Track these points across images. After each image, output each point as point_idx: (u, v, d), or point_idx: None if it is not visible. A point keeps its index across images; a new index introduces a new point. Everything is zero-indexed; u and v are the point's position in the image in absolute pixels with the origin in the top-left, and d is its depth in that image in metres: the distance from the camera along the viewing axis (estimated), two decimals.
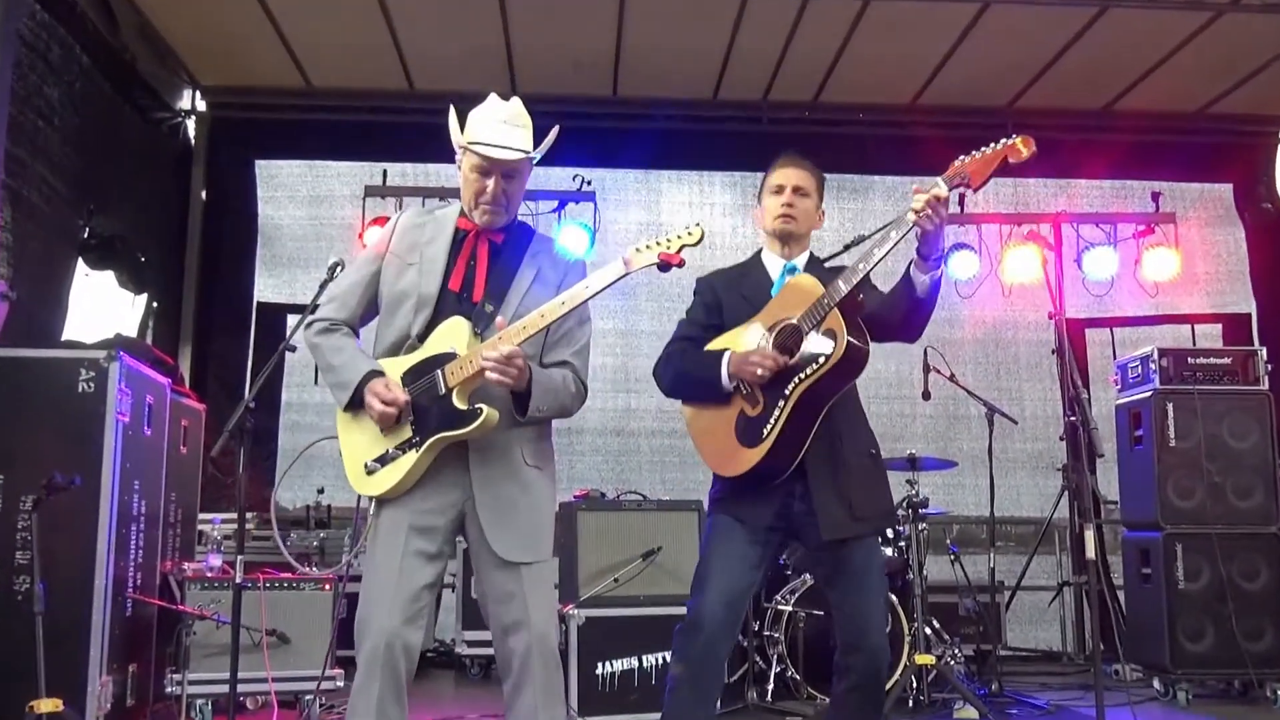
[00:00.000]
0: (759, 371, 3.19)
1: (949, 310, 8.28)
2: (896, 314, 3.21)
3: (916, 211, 3.02)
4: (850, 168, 8.25)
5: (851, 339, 3.09)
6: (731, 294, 3.50)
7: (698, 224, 2.94)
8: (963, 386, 6.46)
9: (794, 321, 3.22)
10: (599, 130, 7.89)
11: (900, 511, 5.83)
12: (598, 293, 2.93)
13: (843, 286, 3.10)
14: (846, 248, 3.55)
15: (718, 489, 3.41)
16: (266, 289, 8.12)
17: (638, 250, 2.90)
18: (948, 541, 7.26)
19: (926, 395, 6.32)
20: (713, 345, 3.42)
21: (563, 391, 3.10)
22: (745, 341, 3.34)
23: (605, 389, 8.08)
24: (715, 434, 3.35)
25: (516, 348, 2.90)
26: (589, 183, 7.75)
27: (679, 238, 2.89)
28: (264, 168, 8.22)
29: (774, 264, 3.51)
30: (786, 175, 3.51)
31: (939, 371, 6.32)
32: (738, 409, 3.30)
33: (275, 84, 7.86)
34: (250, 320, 7.98)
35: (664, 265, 2.88)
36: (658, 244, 2.89)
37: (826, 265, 3.57)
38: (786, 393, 3.16)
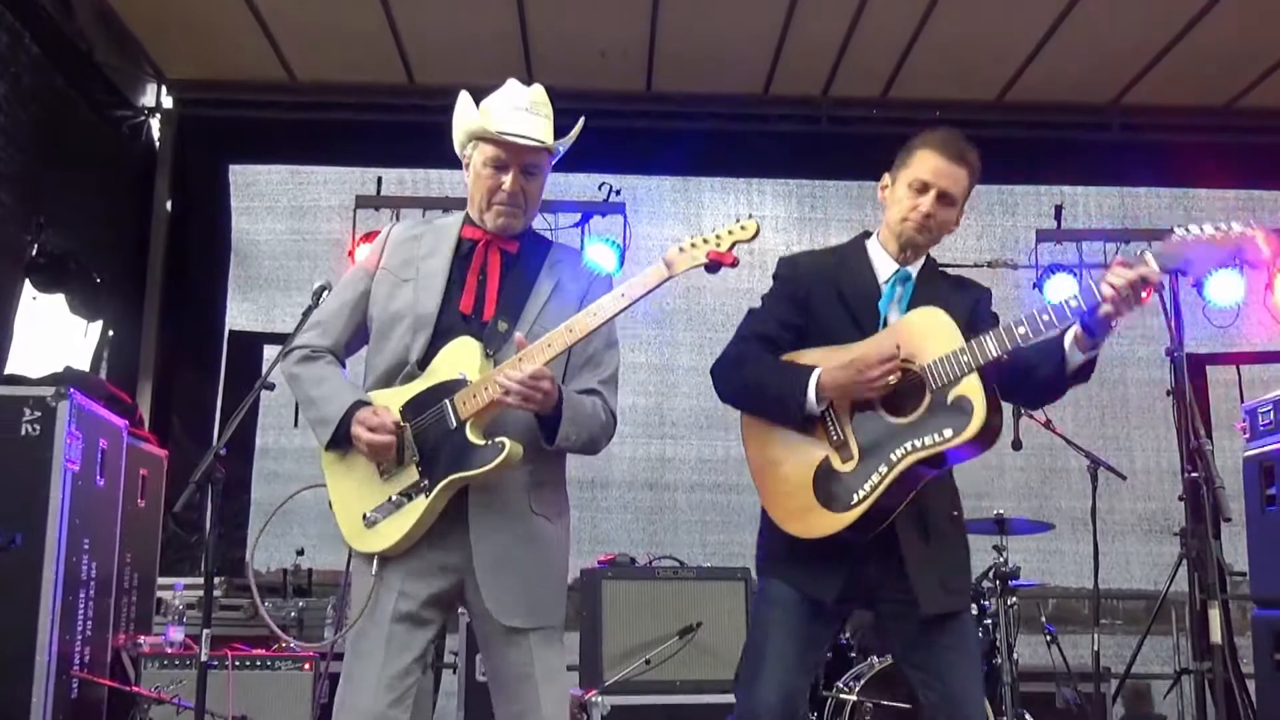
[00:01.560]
0: (885, 379, 3.05)
1: None
2: (1034, 379, 3.10)
3: (1115, 288, 2.87)
4: None
5: (989, 414, 2.98)
6: (824, 290, 3.33)
7: (750, 215, 2.93)
8: (1060, 434, 6.41)
9: (916, 368, 3.09)
10: (630, 131, 7.94)
11: (985, 583, 5.77)
12: (635, 301, 2.93)
13: (992, 348, 2.98)
14: (989, 264, 3.46)
15: (773, 545, 3.30)
16: (240, 315, 8.19)
17: (681, 249, 2.90)
18: (1042, 619, 7.17)
19: (1017, 444, 6.26)
20: (793, 359, 3.27)
21: (593, 420, 3.11)
22: None
23: (636, 434, 8.08)
24: (785, 477, 3.23)
25: (543, 367, 2.92)
26: (617, 192, 7.77)
27: (730, 233, 2.90)
28: (239, 174, 8.31)
29: (883, 263, 3.36)
30: (938, 172, 3.27)
31: (1032, 416, 6.26)
32: (822, 454, 3.18)
33: (254, 77, 7.96)
34: (221, 352, 8.05)
35: (713, 265, 2.89)
36: (705, 241, 2.89)
37: (945, 273, 3.44)
38: (893, 458, 3.06)
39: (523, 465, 3.02)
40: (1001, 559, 5.82)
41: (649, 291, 2.93)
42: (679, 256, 2.90)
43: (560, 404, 2.98)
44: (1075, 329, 3.01)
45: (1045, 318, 2.94)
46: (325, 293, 3.31)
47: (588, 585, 5.39)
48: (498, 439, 2.95)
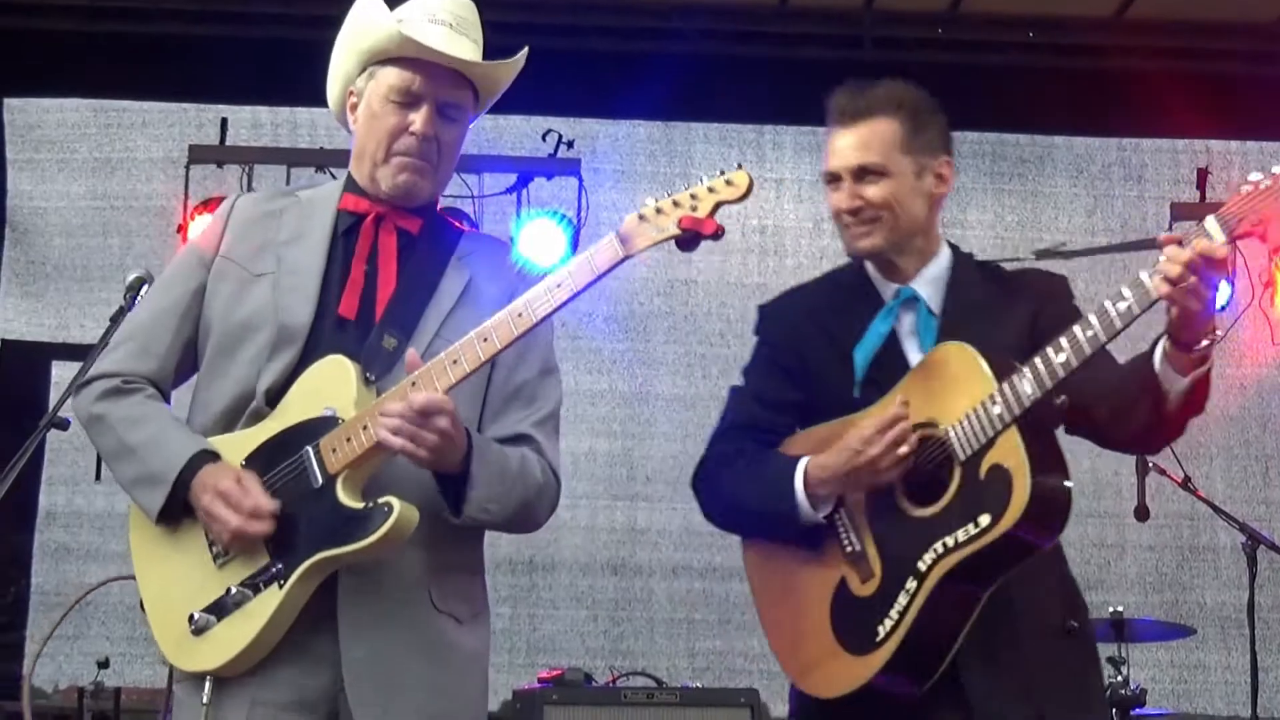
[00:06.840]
0: (893, 456, 3.05)
1: None
2: (1130, 420, 3.10)
3: (1170, 280, 2.82)
4: (1014, 123, 8.34)
5: (1040, 480, 2.97)
6: (819, 343, 3.38)
7: (739, 165, 2.93)
8: (1204, 499, 6.44)
9: (939, 433, 3.10)
10: (589, 55, 7.98)
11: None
12: (579, 293, 2.93)
13: (1028, 389, 2.98)
14: (1038, 256, 3.41)
15: (801, 706, 3.34)
16: (19, 318, 8.18)
17: (641, 217, 2.91)
18: None
19: (1143, 513, 6.29)
20: (794, 444, 3.30)
21: (524, 479, 3.08)
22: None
23: (596, 493, 8.02)
24: (795, 614, 3.26)
25: (442, 396, 2.90)
26: (570, 144, 7.78)
27: (711, 190, 2.89)
28: (18, 112, 8.31)
29: (885, 288, 3.41)
30: (840, 150, 3.41)
31: (1164, 472, 6.30)
32: (836, 574, 3.20)
33: None
34: None
35: (689, 239, 2.89)
36: (676, 205, 2.89)
37: (994, 271, 3.46)
38: (921, 568, 3.05)
39: (420, 539, 2.98)
40: (1120, 677, 5.84)
41: (598, 278, 2.92)
42: (639, 228, 2.90)
43: (469, 456, 2.95)
44: (1164, 344, 2.98)
45: (1089, 333, 2.93)
46: (145, 287, 3.30)
47: (523, 714, 5.38)
48: (383, 499, 2.90)
